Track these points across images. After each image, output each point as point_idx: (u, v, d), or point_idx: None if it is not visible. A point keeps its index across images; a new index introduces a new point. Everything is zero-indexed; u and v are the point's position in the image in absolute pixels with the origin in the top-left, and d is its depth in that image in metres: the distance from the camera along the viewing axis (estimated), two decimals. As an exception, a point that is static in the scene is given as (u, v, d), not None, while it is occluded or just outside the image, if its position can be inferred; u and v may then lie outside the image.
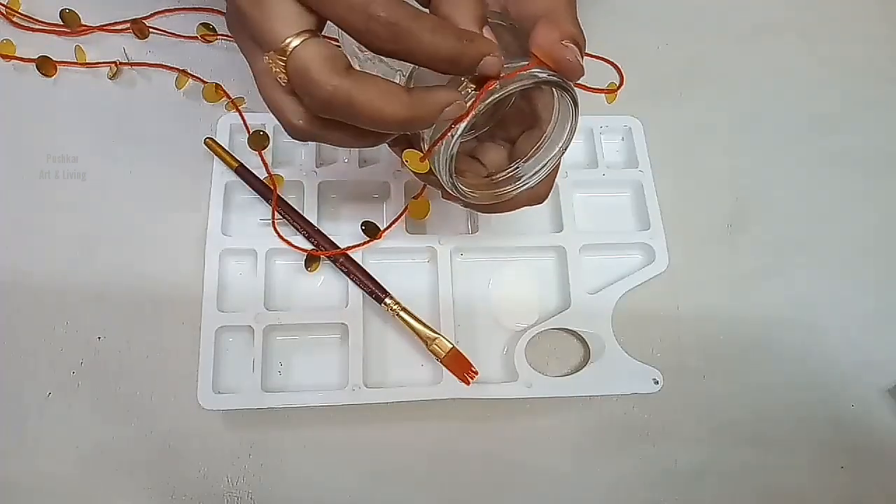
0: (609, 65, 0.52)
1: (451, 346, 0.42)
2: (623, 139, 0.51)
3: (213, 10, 0.50)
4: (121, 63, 0.48)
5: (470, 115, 0.29)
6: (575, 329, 0.45)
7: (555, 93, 0.32)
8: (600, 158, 0.48)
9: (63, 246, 0.45)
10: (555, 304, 0.46)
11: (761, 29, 0.56)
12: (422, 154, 0.31)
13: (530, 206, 0.37)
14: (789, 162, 0.52)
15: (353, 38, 0.27)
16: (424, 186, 0.45)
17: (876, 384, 0.46)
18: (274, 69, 0.28)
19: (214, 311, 0.42)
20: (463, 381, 0.41)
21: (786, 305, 0.47)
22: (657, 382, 0.43)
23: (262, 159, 0.45)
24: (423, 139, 0.32)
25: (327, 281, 0.45)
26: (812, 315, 0.47)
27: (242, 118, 0.47)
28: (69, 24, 0.49)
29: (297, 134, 0.31)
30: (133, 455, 0.41)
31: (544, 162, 0.34)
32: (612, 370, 0.43)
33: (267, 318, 0.42)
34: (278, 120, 0.31)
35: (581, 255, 0.46)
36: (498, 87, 0.29)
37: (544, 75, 0.30)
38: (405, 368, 0.43)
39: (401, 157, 0.33)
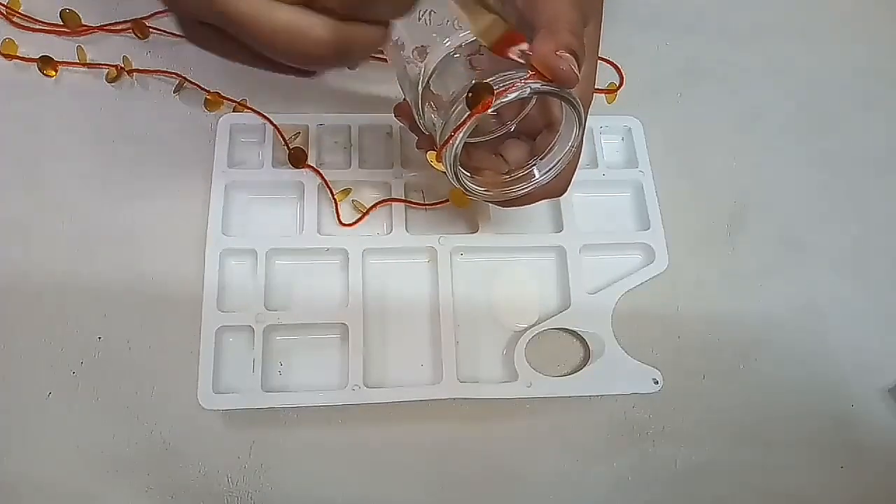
0: (609, 65, 0.53)
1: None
2: (623, 139, 0.51)
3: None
4: (120, 68, 0.48)
5: (468, 125, 0.31)
6: (575, 329, 0.45)
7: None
8: (600, 158, 0.48)
9: (63, 246, 0.45)
10: (555, 304, 0.46)
11: (761, 29, 0.56)
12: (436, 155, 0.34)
13: (548, 199, 0.39)
14: (789, 162, 0.52)
15: None
16: None
17: (876, 384, 0.46)
18: None
19: (214, 311, 0.42)
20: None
21: (786, 305, 0.47)
22: (657, 382, 0.43)
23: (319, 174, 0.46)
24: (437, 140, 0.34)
25: (327, 280, 0.45)
26: (812, 315, 0.47)
27: (266, 119, 0.47)
28: (69, 24, 0.49)
29: (319, 50, 0.24)
30: (133, 455, 0.41)
31: (556, 161, 0.36)
32: (612, 370, 0.43)
33: (267, 318, 0.42)
34: (288, 46, 0.24)
35: (581, 255, 0.46)
36: (494, 100, 0.30)
37: (537, 86, 0.31)
38: (405, 368, 0.43)
39: (426, 157, 0.35)
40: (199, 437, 0.41)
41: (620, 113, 0.50)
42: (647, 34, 0.55)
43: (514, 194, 0.37)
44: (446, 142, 0.32)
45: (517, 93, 0.30)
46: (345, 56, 0.25)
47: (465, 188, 0.35)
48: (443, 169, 0.34)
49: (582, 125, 0.34)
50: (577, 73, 0.31)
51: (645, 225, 0.47)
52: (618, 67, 0.52)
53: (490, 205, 0.46)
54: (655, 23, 0.56)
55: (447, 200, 0.46)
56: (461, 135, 0.31)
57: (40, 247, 0.44)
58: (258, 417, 0.42)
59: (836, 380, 0.46)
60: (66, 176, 0.46)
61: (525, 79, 0.31)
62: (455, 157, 0.33)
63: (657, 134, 0.50)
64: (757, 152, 0.52)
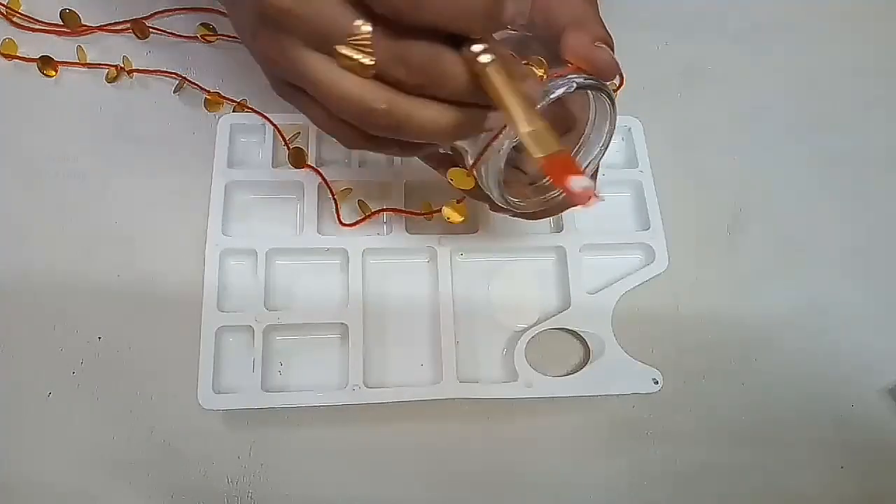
0: (609, 65, 0.53)
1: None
2: (623, 139, 0.51)
3: (213, 11, 0.50)
4: (120, 68, 0.48)
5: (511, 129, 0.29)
6: (575, 329, 0.45)
7: (590, 95, 0.32)
8: (600, 158, 0.48)
9: (63, 246, 0.45)
10: (555, 304, 0.46)
11: (761, 29, 0.56)
12: (466, 171, 0.32)
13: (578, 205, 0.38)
14: (789, 162, 0.52)
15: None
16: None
17: (876, 384, 0.46)
18: (351, 56, 0.26)
19: (214, 311, 0.42)
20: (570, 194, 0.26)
21: (785, 305, 0.47)
22: (657, 382, 0.43)
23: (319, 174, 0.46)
24: (466, 156, 0.33)
25: (327, 280, 0.45)
26: (812, 315, 0.47)
27: (266, 119, 0.47)
28: (69, 24, 0.49)
29: (380, 120, 0.27)
30: (133, 455, 0.41)
31: (585, 163, 0.35)
32: (612, 370, 0.43)
33: (267, 318, 0.42)
34: (352, 112, 0.27)
35: (581, 255, 0.46)
36: (540, 97, 0.29)
37: (581, 80, 0.30)
38: (405, 368, 0.43)
39: (445, 176, 0.33)
40: (199, 437, 0.41)
41: (620, 113, 0.49)
42: (647, 34, 0.55)
43: (550, 202, 0.36)
44: (489, 144, 0.30)
45: (564, 88, 0.29)
46: (401, 130, 0.26)
47: (506, 201, 0.34)
48: (467, 186, 0.32)
49: (615, 120, 0.33)
50: (616, 62, 0.31)
51: (645, 225, 0.47)
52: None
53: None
54: (655, 23, 0.56)
55: (438, 210, 0.42)
56: (508, 141, 0.30)
57: (40, 247, 0.44)
58: (258, 417, 0.42)
59: (836, 380, 0.46)
60: (66, 176, 0.46)
61: (562, 73, 0.30)
62: (500, 169, 0.31)
63: (657, 134, 0.50)
64: (757, 152, 0.52)
